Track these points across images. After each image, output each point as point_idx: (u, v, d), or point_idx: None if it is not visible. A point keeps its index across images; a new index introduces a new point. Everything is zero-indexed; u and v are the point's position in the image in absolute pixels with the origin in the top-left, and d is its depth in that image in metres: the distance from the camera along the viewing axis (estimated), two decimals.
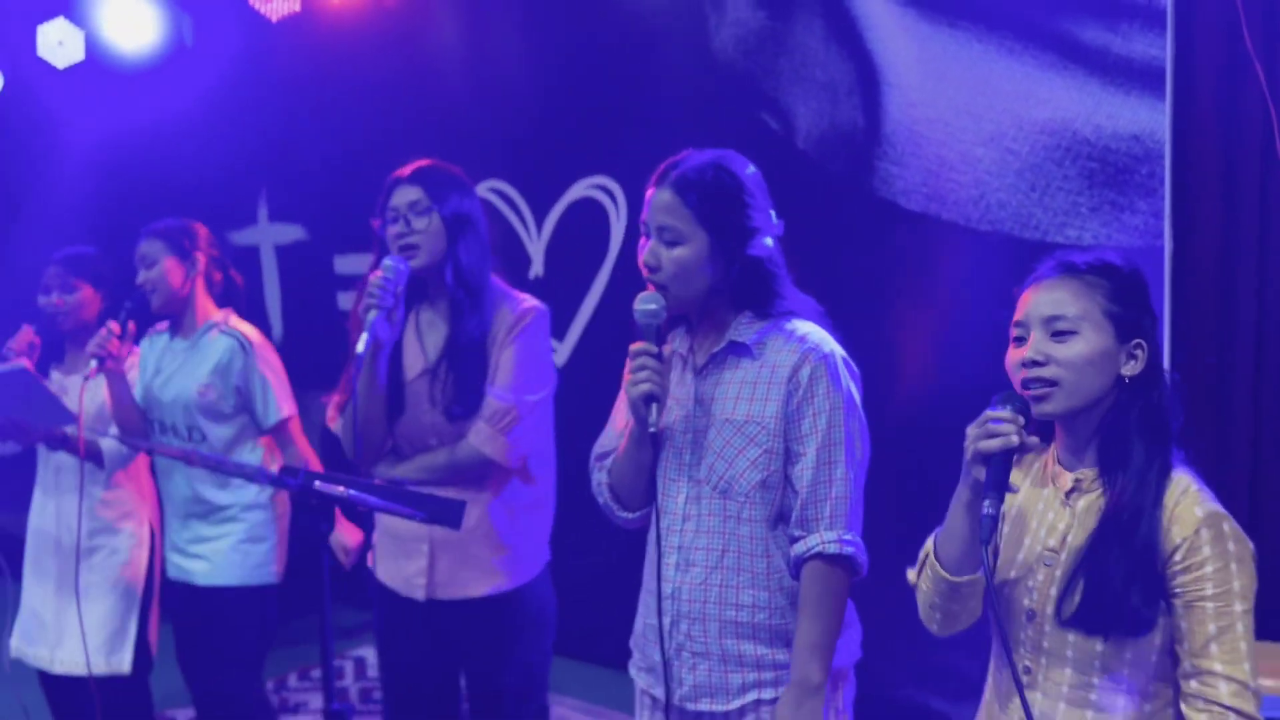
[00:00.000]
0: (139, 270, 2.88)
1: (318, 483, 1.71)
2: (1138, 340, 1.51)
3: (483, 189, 4.43)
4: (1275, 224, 2.87)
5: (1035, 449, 1.53)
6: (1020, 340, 1.54)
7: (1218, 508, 1.47)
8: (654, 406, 1.79)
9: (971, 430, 1.47)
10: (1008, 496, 1.57)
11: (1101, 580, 1.45)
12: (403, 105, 4.64)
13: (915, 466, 3.16)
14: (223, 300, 3.00)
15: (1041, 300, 1.52)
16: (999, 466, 1.44)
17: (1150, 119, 2.94)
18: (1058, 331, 1.50)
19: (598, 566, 3.69)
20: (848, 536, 1.82)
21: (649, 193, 1.88)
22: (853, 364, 1.90)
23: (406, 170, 2.37)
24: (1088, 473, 1.54)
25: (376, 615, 2.53)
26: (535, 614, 2.45)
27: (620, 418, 2.01)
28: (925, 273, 3.37)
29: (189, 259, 2.89)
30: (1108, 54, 3.00)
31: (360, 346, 2.16)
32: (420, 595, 2.37)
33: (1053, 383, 1.48)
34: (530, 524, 2.44)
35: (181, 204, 5.02)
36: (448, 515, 1.79)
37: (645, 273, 1.87)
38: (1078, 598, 1.48)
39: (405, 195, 2.32)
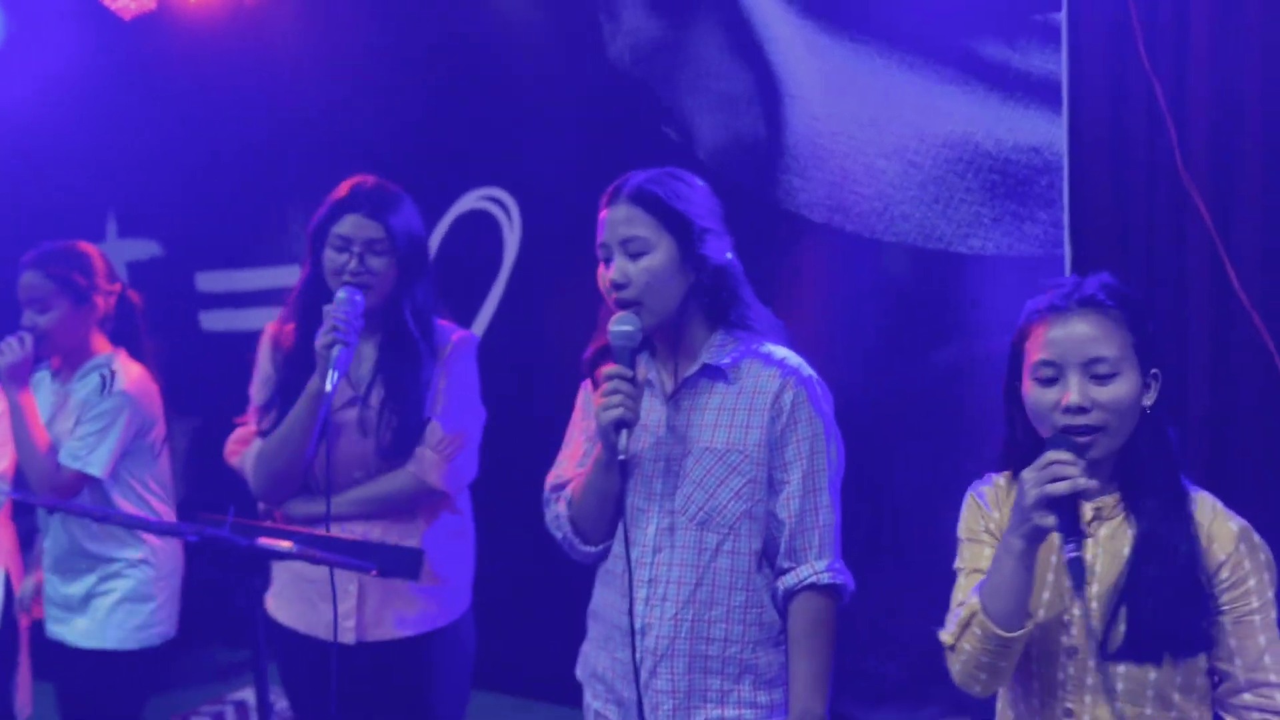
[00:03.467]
0: (24, 309, 2.63)
1: (262, 538, 1.54)
2: (1155, 370, 1.50)
3: None
4: (1163, 232, 3.00)
5: (1094, 491, 1.46)
6: (1050, 381, 1.47)
7: (1243, 520, 1.49)
8: (624, 433, 1.72)
9: (1030, 475, 1.39)
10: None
11: (1153, 606, 1.42)
12: (269, 112, 4.37)
13: None
14: (116, 335, 2.77)
15: (1076, 340, 1.46)
16: (1070, 510, 1.38)
17: (1049, 132, 3.02)
18: (1099, 375, 1.45)
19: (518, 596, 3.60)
20: (837, 565, 1.80)
21: (602, 215, 1.85)
22: (824, 384, 1.89)
23: (358, 195, 2.24)
24: (1107, 500, 1.51)
25: (282, 664, 2.40)
26: (463, 649, 2.42)
27: (576, 447, 1.93)
28: (830, 283, 3.38)
29: (87, 302, 2.67)
30: (1007, 69, 3.07)
31: (328, 385, 2.04)
32: (350, 638, 2.25)
33: (1099, 428, 1.44)
34: (456, 551, 2.40)
35: (22, 218, 4.65)
36: (405, 566, 1.66)
37: (612, 294, 1.81)
38: (1124, 627, 1.44)
39: (363, 230, 2.20)
